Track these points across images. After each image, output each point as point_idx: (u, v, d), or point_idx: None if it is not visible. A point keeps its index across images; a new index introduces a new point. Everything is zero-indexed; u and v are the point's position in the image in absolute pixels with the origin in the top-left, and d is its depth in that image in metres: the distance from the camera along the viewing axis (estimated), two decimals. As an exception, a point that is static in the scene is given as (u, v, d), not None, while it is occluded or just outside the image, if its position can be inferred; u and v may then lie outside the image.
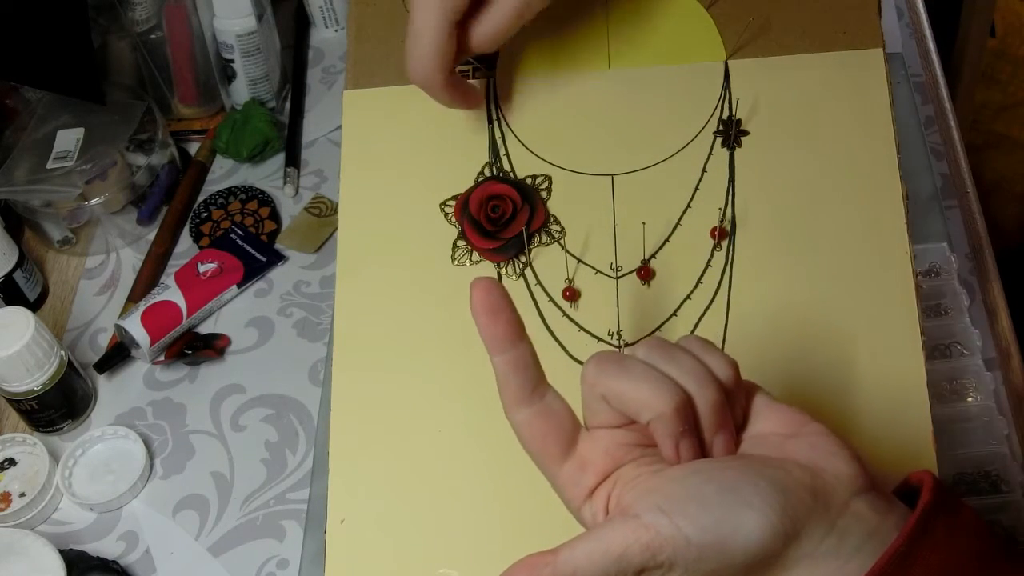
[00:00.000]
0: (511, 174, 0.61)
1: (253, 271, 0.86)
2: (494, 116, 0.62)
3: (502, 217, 0.59)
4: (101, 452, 0.77)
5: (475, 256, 0.60)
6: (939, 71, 0.94)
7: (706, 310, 0.57)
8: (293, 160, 0.94)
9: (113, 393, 0.81)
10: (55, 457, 0.76)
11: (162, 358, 0.81)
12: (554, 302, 0.58)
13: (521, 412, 0.44)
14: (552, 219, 0.60)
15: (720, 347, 0.56)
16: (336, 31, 1.05)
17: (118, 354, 0.82)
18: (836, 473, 0.41)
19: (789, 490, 0.40)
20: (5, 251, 0.83)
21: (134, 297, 0.86)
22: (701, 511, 0.39)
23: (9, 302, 0.83)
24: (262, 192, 0.92)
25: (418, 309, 0.59)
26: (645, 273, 0.58)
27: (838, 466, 0.41)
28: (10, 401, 0.76)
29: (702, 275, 0.58)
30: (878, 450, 0.54)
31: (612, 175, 0.60)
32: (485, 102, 0.62)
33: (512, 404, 0.44)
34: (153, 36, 0.93)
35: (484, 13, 0.54)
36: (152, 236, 0.90)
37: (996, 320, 0.77)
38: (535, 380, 0.44)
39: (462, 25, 0.54)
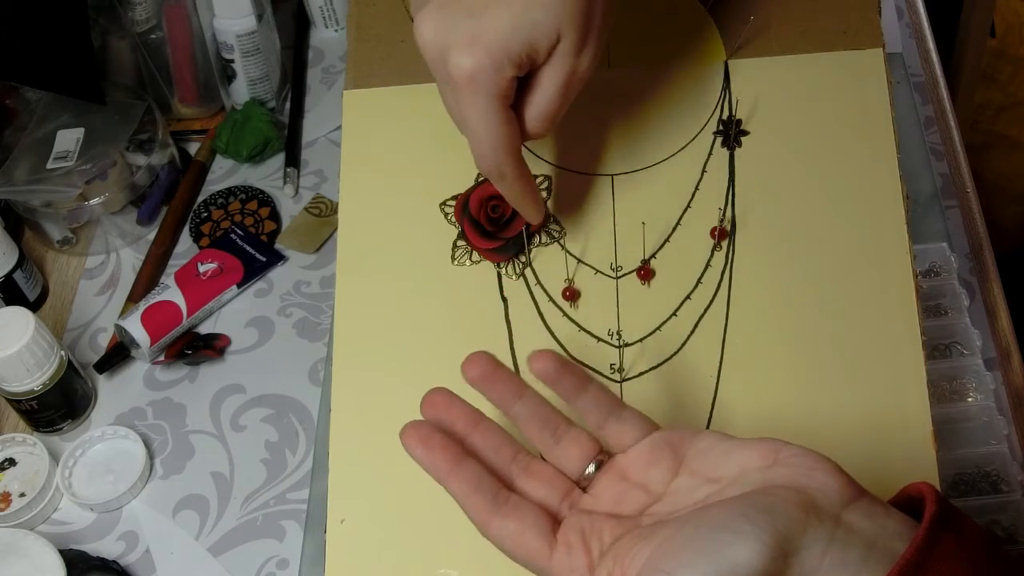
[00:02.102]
0: (511, 174, 0.61)
1: (253, 271, 0.86)
2: (494, 116, 0.62)
3: (502, 217, 0.59)
4: (101, 452, 0.77)
5: (475, 256, 0.60)
6: (939, 71, 0.94)
7: (706, 310, 0.57)
8: (293, 160, 0.94)
9: (113, 393, 0.81)
10: (55, 457, 0.76)
11: (162, 358, 0.81)
12: (554, 302, 0.58)
13: (493, 524, 0.45)
14: (552, 219, 0.60)
15: (720, 347, 0.57)
16: (336, 31, 1.05)
17: (118, 354, 0.82)
18: (820, 487, 0.40)
19: (777, 509, 0.39)
20: (5, 251, 0.83)
21: (134, 297, 0.86)
22: (697, 557, 0.39)
23: (9, 302, 0.83)
24: (262, 192, 0.92)
25: (418, 309, 0.59)
26: (645, 273, 0.58)
27: (821, 480, 0.41)
28: (10, 401, 0.76)
29: (702, 275, 0.58)
30: (878, 450, 0.54)
31: (612, 175, 0.60)
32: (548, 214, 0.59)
33: (483, 522, 0.46)
34: (153, 36, 0.93)
35: (531, 96, 0.50)
36: (152, 236, 0.90)
37: (996, 320, 0.77)
38: (493, 489, 0.46)
39: (516, 110, 0.51)
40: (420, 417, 0.48)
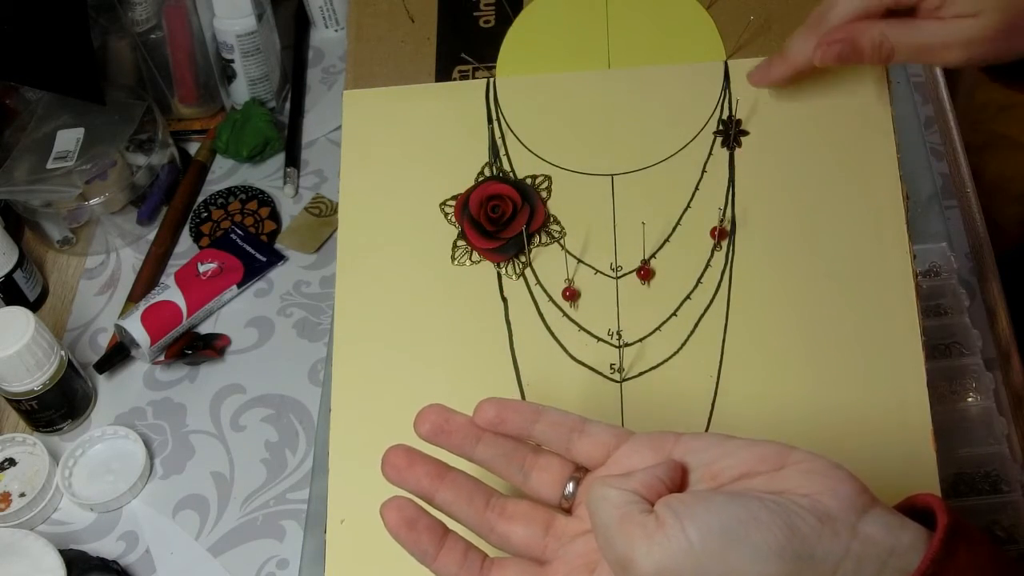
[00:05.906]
0: (511, 174, 0.61)
1: (253, 271, 0.86)
2: (494, 116, 0.62)
3: (502, 217, 0.59)
4: (101, 452, 0.77)
5: (475, 256, 0.60)
6: (939, 71, 0.94)
7: (706, 310, 0.57)
8: (293, 160, 0.94)
9: (113, 393, 0.81)
10: (55, 457, 0.76)
11: (162, 358, 0.81)
12: (554, 302, 0.58)
13: None
14: (552, 219, 0.60)
15: (720, 347, 0.57)
16: (336, 31, 1.05)
17: (118, 354, 0.82)
18: (837, 495, 0.40)
19: (794, 513, 0.39)
20: (5, 251, 0.83)
21: (134, 297, 0.86)
22: (708, 512, 0.39)
23: (9, 302, 0.83)
24: (262, 192, 0.92)
25: (418, 309, 0.59)
26: (645, 273, 0.58)
27: (837, 487, 0.40)
28: (10, 401, 0.76)
29: (702, 275, 0.58)
30: (878, 451, 0.54)
31: (612, 175, 0.60)
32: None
33: None
34: (153, 36, 0.93)
35: None
36: (152, 236, 0.90)
37: (996, 320, 0.77)
38: (477, 557, 0.46)
39: None
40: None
